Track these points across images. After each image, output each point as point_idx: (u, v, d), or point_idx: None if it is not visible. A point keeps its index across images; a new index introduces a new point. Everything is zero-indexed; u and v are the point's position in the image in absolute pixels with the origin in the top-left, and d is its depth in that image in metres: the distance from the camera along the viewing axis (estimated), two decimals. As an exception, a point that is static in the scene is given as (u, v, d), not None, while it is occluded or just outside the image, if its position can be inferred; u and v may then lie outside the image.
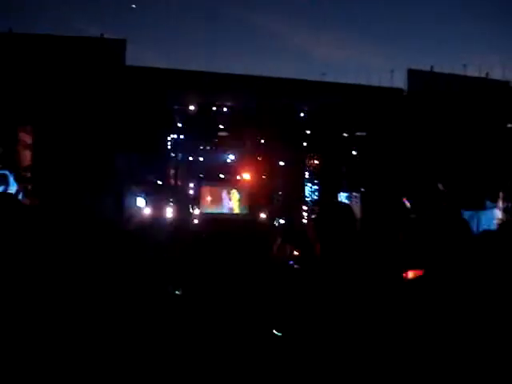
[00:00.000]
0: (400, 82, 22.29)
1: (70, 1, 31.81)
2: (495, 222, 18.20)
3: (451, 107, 21.92)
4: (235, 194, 21.78)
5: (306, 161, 22.69)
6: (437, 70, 22.73)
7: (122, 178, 19.46)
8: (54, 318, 4.48)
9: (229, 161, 21.72)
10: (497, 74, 22.90)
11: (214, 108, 20.82)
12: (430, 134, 21.55)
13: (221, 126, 21.04)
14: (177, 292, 11.23)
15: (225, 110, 20.91)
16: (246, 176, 21.63)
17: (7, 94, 18.50)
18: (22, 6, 27.13)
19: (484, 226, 16.07)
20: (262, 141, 21.51)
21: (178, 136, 20.98)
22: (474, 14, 32.14)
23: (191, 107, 20.50)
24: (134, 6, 24.79)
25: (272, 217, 20.80)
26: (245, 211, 21.62)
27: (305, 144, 21.97)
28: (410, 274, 5.14)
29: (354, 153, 22.03)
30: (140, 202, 19.33)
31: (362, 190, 21.92)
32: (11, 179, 14.51)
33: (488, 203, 18.25)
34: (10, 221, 4.49)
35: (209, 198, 21.46)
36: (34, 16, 29.24)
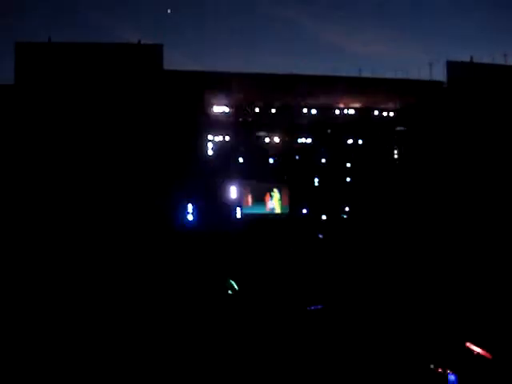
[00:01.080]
0: (439, 74, 21.90)
1: (107, 8, 32.09)
2: None
3: (493, 97, 21.50)
4: (276, 194, 21.68)
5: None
6: (476, 60, 22.26)
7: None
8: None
9: (270, 161, 21.60)
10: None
11: (257, 109, 20.92)
12: (472, 125, 21.16)
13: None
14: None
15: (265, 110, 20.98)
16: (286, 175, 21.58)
17: (48, 103, 18.86)
18: (60, 14, 27.56)
19: None
20: (304, 140, 21.48)
21: (220, 138, 21.07)
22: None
23: (230, 108, 20.61)
24: (169, 11, 24.99)
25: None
26: (286, 210, 21.51)
27: (350, 141, 21.74)
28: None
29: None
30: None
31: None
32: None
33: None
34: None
35: (250, 198, 21.42)
36: (72, 24, 29.68)
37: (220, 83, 20.01)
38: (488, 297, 14.62)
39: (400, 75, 21.31)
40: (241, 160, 21.32)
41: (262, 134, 21.42)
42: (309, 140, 21.64)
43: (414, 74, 21.35)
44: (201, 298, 13.35)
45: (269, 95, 20.47)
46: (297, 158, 21.83)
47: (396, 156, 21.99)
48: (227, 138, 21.21)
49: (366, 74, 20.68)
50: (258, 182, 21.51)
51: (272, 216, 21.51)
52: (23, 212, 17.95)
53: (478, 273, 17.11)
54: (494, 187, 21.01)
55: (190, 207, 19.84)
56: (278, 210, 21.78)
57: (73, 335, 11.18)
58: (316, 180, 21.66)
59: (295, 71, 20.36)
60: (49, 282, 15.75)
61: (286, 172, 21.77)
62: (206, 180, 20.27)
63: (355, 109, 21.51)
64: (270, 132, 21.29)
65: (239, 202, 21.30)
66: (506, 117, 21.74)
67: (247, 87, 20.38)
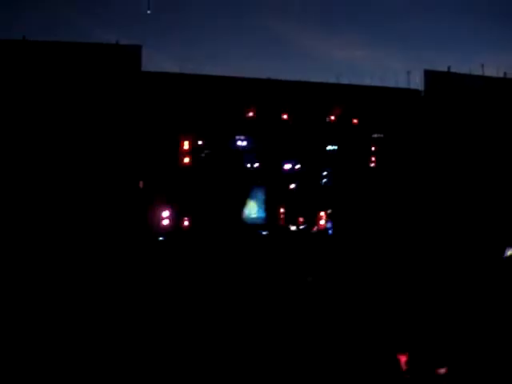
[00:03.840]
0: (417, 83, 22.17)
1: (84, 7, 31.74)
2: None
3: (469, 107, 21.78)
4: (251, 198, 21.62)
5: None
6: (454, 70, 22.54)
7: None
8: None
9: (246, 166, 21.51)
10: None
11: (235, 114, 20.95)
12: (448, 134, 21.41)
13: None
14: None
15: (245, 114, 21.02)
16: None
17: (23, 102, 18.61)
18: (36, 12, 27.16)
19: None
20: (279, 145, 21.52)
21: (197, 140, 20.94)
22: (489, 13, 31.86)
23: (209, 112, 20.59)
24: (149, 11, 24.83)
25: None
26: (262, 215, 21.47)
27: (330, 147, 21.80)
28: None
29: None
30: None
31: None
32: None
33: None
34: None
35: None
36: (48, 23, 29.25)
37: (198, 86, 20.04)
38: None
39: (377, 82, 21.57)
40: (217, 165, 21.26)
41: (238, 138, 21.40)
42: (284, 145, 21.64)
43: (391, 82, 21.61)
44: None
45: (246, 100, 20.51)
46: (272, 163, 21.85)
47: (373, 163, 22.10)
48: (203, 142, 21.08)
49: (343, 80, 20.88)
50: (234, 187, 21.49)
51: (248, 220, 21.52)
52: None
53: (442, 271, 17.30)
54: (472, 194, 21.25)
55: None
56: (253, 215, 21.76)
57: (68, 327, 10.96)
58: (292, 185, 21.69)
59: (270, 76, 20.55)
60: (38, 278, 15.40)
61: (262, 177, 21.74)
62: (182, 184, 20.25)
63: (332, 115, 21.59)
64: (246, 137, 21.31)
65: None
66: (482, 126, 22.03)
67: (226, 91, 20.42)
